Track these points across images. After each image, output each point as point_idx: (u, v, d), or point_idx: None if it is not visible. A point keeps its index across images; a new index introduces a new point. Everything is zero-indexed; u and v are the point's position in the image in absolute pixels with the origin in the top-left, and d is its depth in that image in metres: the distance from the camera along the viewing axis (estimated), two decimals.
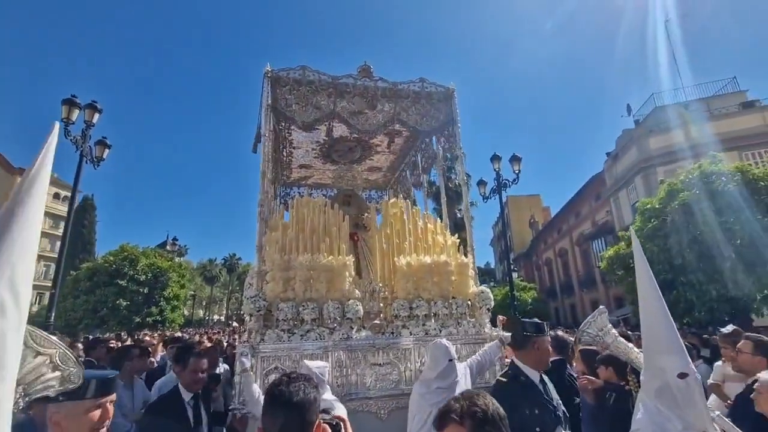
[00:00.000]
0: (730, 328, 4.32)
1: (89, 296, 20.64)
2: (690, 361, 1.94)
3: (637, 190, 20.73)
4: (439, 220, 5.58)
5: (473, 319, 4.50)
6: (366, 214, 6.40)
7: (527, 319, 2.81)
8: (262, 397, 3.17)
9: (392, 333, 4.20)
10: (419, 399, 3.27)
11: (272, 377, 3.78)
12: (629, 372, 2.81)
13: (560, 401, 2.53)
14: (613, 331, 2.77)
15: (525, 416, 2.23)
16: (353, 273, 4.41)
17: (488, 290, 4.63)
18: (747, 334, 3.52)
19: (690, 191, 11.25)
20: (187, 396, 3.22)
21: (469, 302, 4.54)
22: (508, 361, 3.01)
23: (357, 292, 4.35)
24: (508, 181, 12.64)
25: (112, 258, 21.89)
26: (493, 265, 51.56)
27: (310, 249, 4.42)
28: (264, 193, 4.72)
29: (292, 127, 6.07)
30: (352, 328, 4.10)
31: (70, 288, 20.86)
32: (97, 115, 9.74)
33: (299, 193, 7.63)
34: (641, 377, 2.06)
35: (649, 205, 12.65)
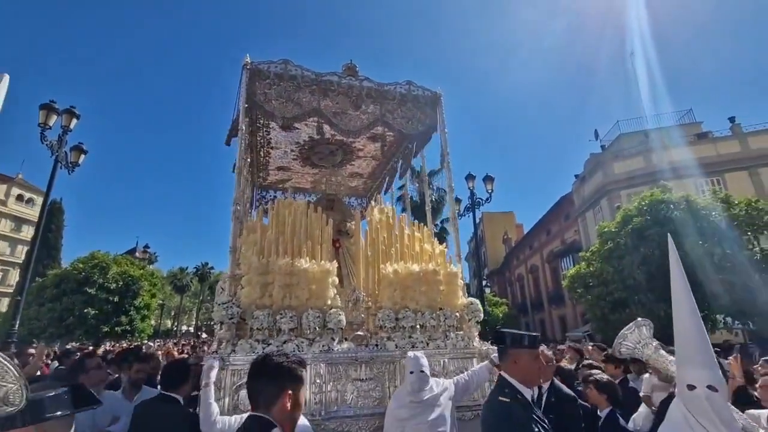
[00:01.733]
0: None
1: (55, 304, 19.96)
2: (715, 373, 1.83)
3: (603, 212, 21.85)
4: (426, 227, 5.36)
5: (461, 332, 4.26)
6: (350, 221, 6.13)
7: (508, 330, 2.56)
8: (218, 418, 2.83)
9: (376, 345, 3.92)
10: (390, 414, 3.26)
11: (243, 392, 3.44)
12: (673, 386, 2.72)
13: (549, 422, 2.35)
14: (654, 343, 2.64)
15: None
16: (336, 280, 4.12)
17: (477, 302, 4.41)
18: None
19: (642, 217, 12.12)
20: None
21: (457, 314, 4.30)
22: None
23: (339, 300, 4.06)
24: (482, 199, 13.15)
25: (81, 265, 21.25)
26: (468, 280, 51.87)
27: (290, 253, 4.12)
28: (240, 191, 4.39)
29: (271, 125, 5.80)
30: (333, 340, 3.80)
31: (34, 295, 19.98)
32: (74, 121, 9.49)
33: (276, 196, 7.31)
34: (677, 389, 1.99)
35: (606, 229, 13.52)
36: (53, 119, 8.91)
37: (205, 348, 11.80)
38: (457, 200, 13.86)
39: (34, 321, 19.56)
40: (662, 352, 2.61)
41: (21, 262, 38.18)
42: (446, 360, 3.99)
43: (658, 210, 11.93)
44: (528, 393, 2.32)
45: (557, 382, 3.33)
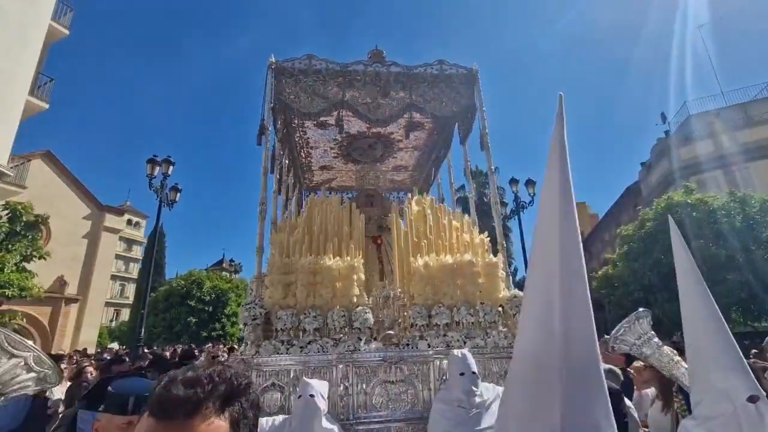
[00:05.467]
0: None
1: (165, 314, 24.12)
2: (755, 380, 1.50)
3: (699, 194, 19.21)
4: (467, 216, 4.92)
5: (505, 329, 3.77)
6: (390, 215, 5.86)
7: None
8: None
9: (408, 344, 3.60)
10: (438, 413, 3.01)
11: (269, 395, 3.33)
12: (675, 391, 2.37)
13: None
14: (655, 339, 2.27)
15: None
16: (363, 276, 3.87)
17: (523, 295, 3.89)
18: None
19: (655, 221, 12.85)
20: None
21: (500, 309, 3.83)
22: None
23: (367, 298, 3.80)
24: (525, 203, 13.42)
25: (183, 282, 25.41)
26: None
27: (316, 251, 3.97)
28: (265, 190, 4.34)
29: (306, 125, 5.73)
30: (360, 339, 3.55)
31: (150, 307, 23.54)
32: (171, 168, 11.26)
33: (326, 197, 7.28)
34: (691, 399, 1.66)
35: (625, 233, 14.37)
36: (156, 169, 10.83)
37: None
38: (503, 203, 14.46)
39: (151, 328, 23.25)
40: (666, 350, 2.24)
41: (133, 277, 43.64)
42: (488, 360, 3.54)
43: (673, 213, 12.02)
44: None
45: None
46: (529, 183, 13.25)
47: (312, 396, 2.73)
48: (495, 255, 4.24)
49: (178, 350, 11.83)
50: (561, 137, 1.16)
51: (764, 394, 1.50)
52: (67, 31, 17.30)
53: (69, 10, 17.55)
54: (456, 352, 3.09)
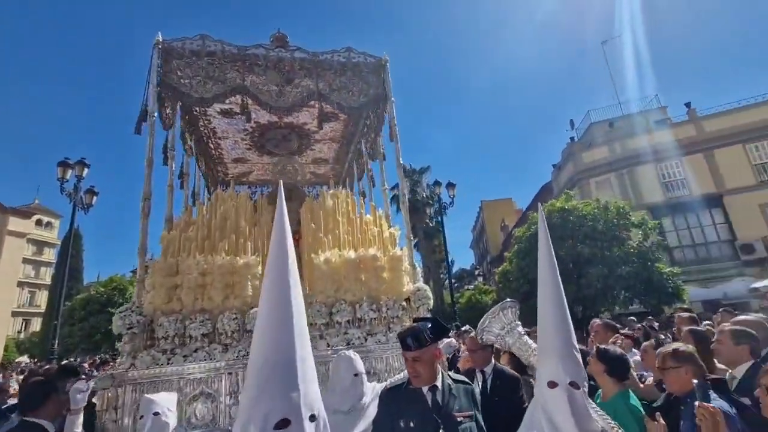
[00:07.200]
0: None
1: (84, 323, 22.22)
2: (574, 370, 1.59)
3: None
4: (380, 210, 4.81)
5: (408, 324, 3.70)
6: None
7: (424, 321, 2.11)
8: None
9: None
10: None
11: None
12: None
13: (468, 417, 1.98)
14: (519, 329, 2.31)
15: (397, 428, 1.95)
16: (259, 274, 3.60)
17: (426, 287, 3.83)
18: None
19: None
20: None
21: (403, 303, 3.74)
22: None
23: None
24: (447, 203, 14.76)
25: (103, 288, 23.78)
26: (474, 266, 51.71)
27: (210, 249, 3.65)
28: (149, 184, 3.87)
29: (210, 113, 5.30)
30: None
31: (66, 316, 22.18)
32: (86, 170, 10.36)
33: (239, 192, 6.84)
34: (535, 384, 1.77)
35: (518, 234, 16.15)
36: (69, 172, 9.80)
37: None
38: (429, 204, 16.00)
39: (68, 339, 21.51)
40: (525, 339, 2.27)
41: (46, 283, 39.60)
42: (390, 357, 3.44)
43: (551, 218, 13.88)
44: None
45: (499, 365, 2.89)
46: (450, 186, 14.54)
47: (157, 414, 2.47)
48: (418, 248, 4.16)
49: (97, 360, 10.92)
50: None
51: (585, 377, 1.61)
52: None
53: None
54: (348, 352, 2.84)
